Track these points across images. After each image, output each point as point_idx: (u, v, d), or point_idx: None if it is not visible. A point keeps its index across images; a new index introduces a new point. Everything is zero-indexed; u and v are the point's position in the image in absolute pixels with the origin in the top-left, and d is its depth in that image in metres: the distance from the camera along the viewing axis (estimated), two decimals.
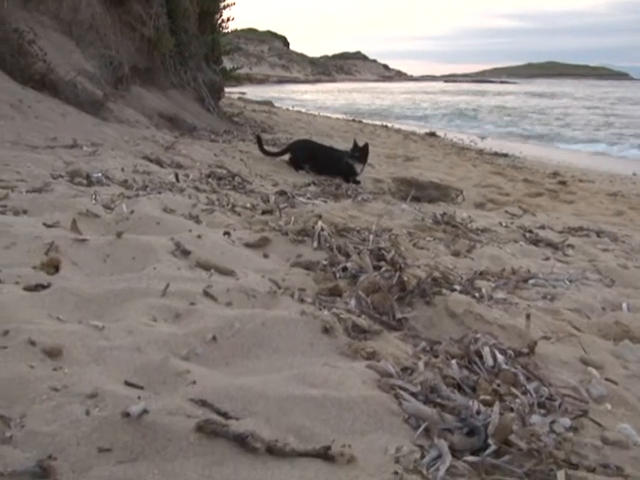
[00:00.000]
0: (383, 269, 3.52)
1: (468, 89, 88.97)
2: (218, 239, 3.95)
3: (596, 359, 2.99)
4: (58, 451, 1.80)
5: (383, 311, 3.14)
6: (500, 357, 2.66)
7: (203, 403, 2.02)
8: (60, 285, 2.99)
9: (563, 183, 11.40)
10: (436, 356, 2.68)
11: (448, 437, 2.05)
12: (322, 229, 4.19)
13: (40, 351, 2.27)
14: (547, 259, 5.12)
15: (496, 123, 30.91)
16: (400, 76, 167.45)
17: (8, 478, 1.70)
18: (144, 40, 13.29)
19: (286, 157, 9.33)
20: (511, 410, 2.25)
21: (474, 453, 2.02)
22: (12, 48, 10.00)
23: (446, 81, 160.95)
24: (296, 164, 9.05)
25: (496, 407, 2.15)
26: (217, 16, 17.35)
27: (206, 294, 3.06)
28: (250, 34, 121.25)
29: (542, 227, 6.41)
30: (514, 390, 2.40)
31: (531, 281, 4.28)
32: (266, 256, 3.94)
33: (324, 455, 1.88)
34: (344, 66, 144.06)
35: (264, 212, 5.11)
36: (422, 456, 1.96)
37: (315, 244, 4.07)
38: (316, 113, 29.80)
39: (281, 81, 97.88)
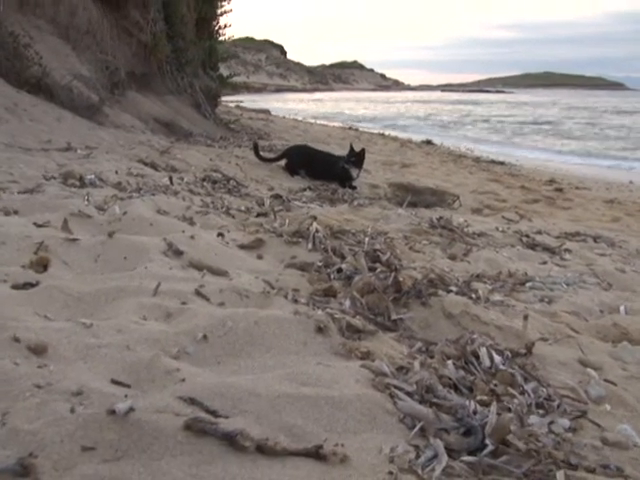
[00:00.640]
0: (378, 270, 3.47)
1: (463, 99, 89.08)
2: (212, 240, 3.91)
3: (594, 360, 2.94)
4: (40, 449, 1.73)
5: (378, 312, 3.09)
6: (497, 358, 2.61)
7: (192, 401, 1.96)
8: (49, 283, 2.94)
9: (560, 190, 11.37)
10: (432, 356, 2.63)
11: (444, 437, 1.99)
12: (317, 231, 4.14)
13: (25, 348, 2.22)
14: (544, 263, 5.07)
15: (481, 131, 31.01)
16: (397, 85, 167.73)
17: None
18: (141, 45, 13.28)
19: (282, 163, 9.28)
20: (509, 410, 2.19)
21: (471, 453, 1.96)
22: (7, 52, 9.96)
23: (443, 90, 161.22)
24: (292, 169, 9.00)
25: (493, 407, 2.10)
26: (214, 23, 17.35)
27: (198, 294, 3.00)
28: (248, 43, 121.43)
29: (539, 232, 6.35)
30: (512, 390, 2.35)
31: (528, 284, 4.23)
32: (260, 257, 3.89)
33: (316, 454, 1.82)
34: (341, 75, 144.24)
35: (259, 215, 5.06)
36: (417, 456, 1.90)
37: (310, 245, 4.03)
38: (313, 121, 29.78)
39: (278, 90, 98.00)
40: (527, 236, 5.94)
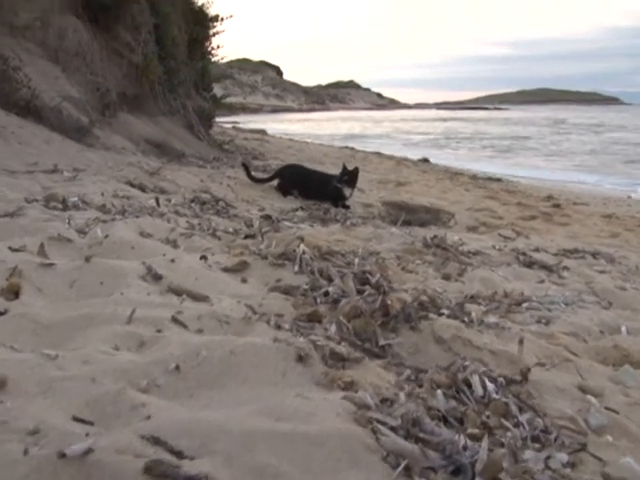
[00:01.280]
0: (366, 293, 3.31)
1: (458, 116, 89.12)
2: (193, 263, 3.75)
3: (595, 386, 2.77)
4: None
5: (365, 337, 2.92)
6: (490, 386, 2.45)
7: (156, 440, 1.80)
8: (18, 312, 2.78)
9: (557, 206, 11.23)
10: (420, 385, 2.47)
11: (431, 477, 1.83)
12: (304, 252, 3.98)
13: None
14: (541, 282, 4.92)
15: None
16: (394, 104, 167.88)
17: None
18: (132, 67, 13.17)
19: (275, 183, 9.13)
20: (502, 445, 2.03)
21: None
22: None
23: (439, 108, 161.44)
24: (284, 189, 8.85)
25: (485, 442, 1.94)
26: (207, 44, 17.28)
27: (175, 321, 2.84)
28: (244, 64, 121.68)
29: (536, 250, 6.20)
30: (505, 422, 2.19)
31: (525, 304, 4.07)
32: (244, 281, 3.73)
33: None
34: (338, 95, 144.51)
35: (246, 236, 4.90)
36: None
37: (296, 268, 3.86)
38: (309, 140, 29.70)
39: (275, 110, 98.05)
40: (524, 254, 5.79)
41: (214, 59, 18.07)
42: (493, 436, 2.09)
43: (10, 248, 3.61)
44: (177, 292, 3.26)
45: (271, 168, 11.26)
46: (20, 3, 11.42)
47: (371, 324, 2.98)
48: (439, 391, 2.39)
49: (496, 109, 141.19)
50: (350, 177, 8.62)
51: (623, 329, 3.77)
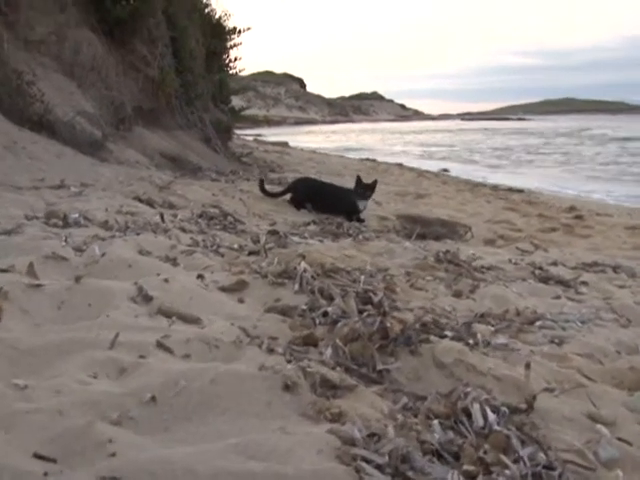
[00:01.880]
0: (365, 314, 3.14)
1: (481, 127, 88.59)
2: (189, 283, 3.60)
3: (607, 414, 2.58)
4: None
5: (362, 362, 2.76)
6: (492, 416, 2.27)
7: None
8: None
9: (579, 217, 10.97)
10: (416, 415, 2.30)
11: None
12: (305, 270, 3.81)
13: None
14: (557, 298, 4.73)
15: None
16: (417, 115, 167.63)
17: None
18: (148, 80, 13.10)
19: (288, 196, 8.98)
20: None
21: None
22: (10, 89, 9.83)
23: (462, 119, 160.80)
24: (297, 203, 8.70)
25: None
26: (224, 56, 17.22)
27: (160, 346, 2.69)
28: (267, 77, 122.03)
29: (554, 263, 6.00)
30: (504, 458, 2.01)
31: (538, 323, 3.88)
32: (241, 301, 3.58)
33: None
34: (361, 106, 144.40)
35: (251, 253, 4.76)
36: None
37: (296, 287, 3.70)
38: (330, 153, 29.57)
39: (298, 122, 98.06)
40: (540, 268, 5.59)
41: (232, 72, 17.99)
42: (489, 474, 1.92)
43: None
44: (167, 314, 3.11)
45: (287, 181, 11.12)
46: (36, 17, 11.40)
47: (369, 348, 2.82)
48: (436, 422, 2.23)
49: (519, 119, 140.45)
50: (364, 190, 8.44)
51: None
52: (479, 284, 4.73)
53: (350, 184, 8.97)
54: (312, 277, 3.80)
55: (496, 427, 2.22)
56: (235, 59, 17.51)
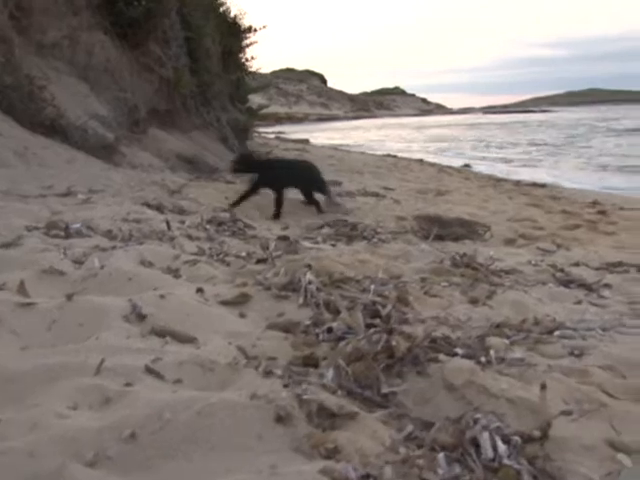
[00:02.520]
0: (372, 330, 2.95)
1: (503, 121, 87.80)
2: (187, 298, 3.43)
3: (629, 441, 2.37)
4: None
5: (366, 384, 2.58)
6: (502, 447, 2.09)
7: None
8: None
9: (603, 212, 10.64)
10: (421, 446, 2.12)
11: None
12: (310, 282, 3.64)
13: None
14: (579, 303, 4.51)
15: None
16: (440, 109, 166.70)
17: None
18: (163, 81, 12.98)
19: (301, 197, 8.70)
20: None
21: None
22: (22, 94, 9.76)
23: (485, 113, 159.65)
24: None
25: None
26: (241, 55, 17.07)
27: (149, 371, 2.53)
28: (288, 74, 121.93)
29: (576, 264, 5.78)
30: None
31: (557, 332, 3.67)
32: (242, 315, 3.41)
33: None
34: (383, 102, 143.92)
35: (259, 261, 4.58)
36: None
37: (300, 300, 3.52)
38: (351, 149, 29.35)
39: (320, 119, 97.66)
40: (562, 270, 5.37)
41: (250, 70, 17.85)
42: None
43: None
44: (161, 333, 2.95)
45: None
46: (49, 21, 11.32)
47: (373, 368, 2.64)
48: (441, 455, 2.05)
49: (543, 112, 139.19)
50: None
51: None
52: (497, 289, 4.53)
53: (370, 182, 8.75)
54: (318, 289, 3.62)
55: (506, 460, 2.04)
56: (252, 58, 17.38)
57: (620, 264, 5.96)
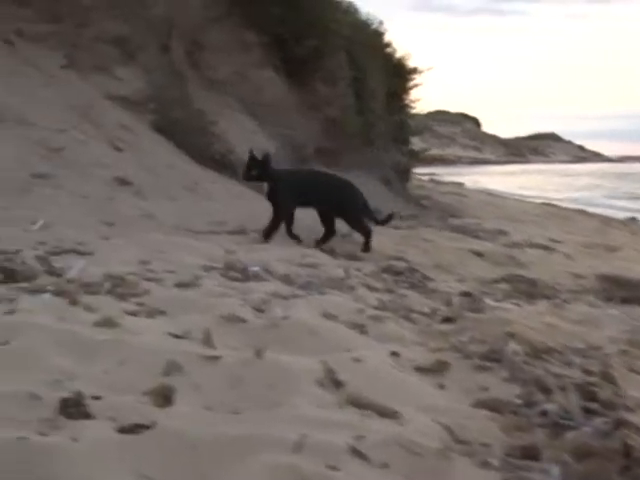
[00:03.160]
0: (598, 420, 2.58)
1: None
2: (381, 362, 3.14)
3: None
4: None
5: None
6: None
7: None
8: (164, 425, 2.27)
9: None
10: None
11: None
12: (515, 353, 3.29)
13: None
14: None
15: None
16: (596, 157, 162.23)
17: None
18: (329, 120, 12.97)
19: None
20: None
21: None
22: (194, 128, 9.92)
23: None
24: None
25: None
26: (404, 96, 16.95)
27: (354, 452, 2.24)
28: (441, 116, 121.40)
29: None
30: None
31: None
32: (441, 387, 3.09)
33: None
34: (537, 147, 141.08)
35: (444, 320, 4.27)
36: None
37: (505, 374, 3.18)
38: (506, 195, 28.66)
39: (472, 162, 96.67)
40: None
41: (412, 112, 17.72)
42: None
43: (171, 334, 3.17)
44: (360, 405, 2.65)
45: (470, 229, 10.57)
46: (220, 58, 11.52)
47: (607, 469, 2.27)
48: None
49: None
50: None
51: None
52: None
53: (533, 232, 8.25)
54: (524, 362, 3.26)
55: None
56: (415, 100, 17.25)
57: None
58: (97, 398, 2.44)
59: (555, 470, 2.27)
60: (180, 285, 4.20)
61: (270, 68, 11.96)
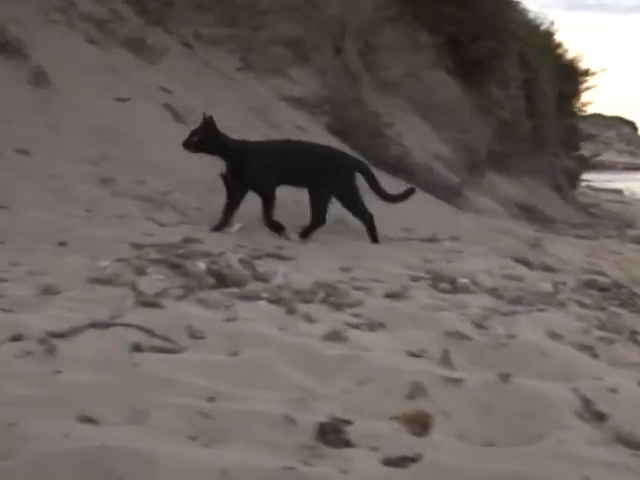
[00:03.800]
0: None
1: None
2: (634, 391, 2.89)
3: None
4: None
5: None
6: None
7: None
8: (432, 458, 2.11)
9: None
10: None
11: None
12: None
13: None
14: None
15: None
16: None
17: None
18: (501, 124, 12.58)
19: None
20: None
21: None
22: (369, 131, 9.82)
23: None
24: None
25: None
26: (575, 99, 16.36)
27: None
28: (596, 119, 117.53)
29: None
30: None
31: None
32: None
33: None
34: None
35: None
36: None
37: None
38: None
39: (628, 168, 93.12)
40: None
41: (582, 116, 17.09)
42: None
43: (407, 352, 3.02)
44: (629, 443, 2.40)
45: None
46: (393, 59, 11.35)
47: None
48: None
49: None
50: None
51: None
52: None
53: None
54: None
55: None
56: (587, 103, 16.63)
57: None
58: (348, 423, 2.29)
59: None
60: (390, 295, 4.07)
61: (443, 69, 11.69)
